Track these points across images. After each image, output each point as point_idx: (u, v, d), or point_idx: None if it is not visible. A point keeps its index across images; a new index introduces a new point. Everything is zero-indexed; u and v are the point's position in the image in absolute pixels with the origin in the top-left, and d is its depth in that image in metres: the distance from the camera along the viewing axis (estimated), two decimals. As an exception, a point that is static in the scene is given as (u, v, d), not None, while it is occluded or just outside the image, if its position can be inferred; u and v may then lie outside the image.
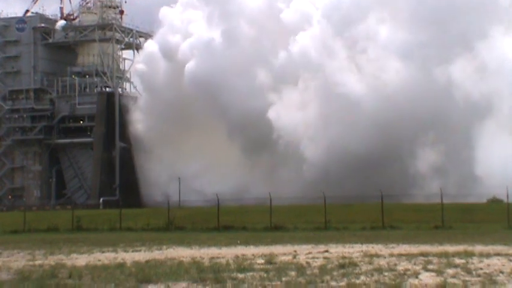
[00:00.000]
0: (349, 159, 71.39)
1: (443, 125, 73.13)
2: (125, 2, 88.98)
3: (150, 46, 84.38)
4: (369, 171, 70.51)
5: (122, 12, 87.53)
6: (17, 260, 24.27)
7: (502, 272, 17.88)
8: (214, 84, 78.13)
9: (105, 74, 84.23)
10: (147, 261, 21.87)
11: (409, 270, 18.60)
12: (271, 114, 78.19)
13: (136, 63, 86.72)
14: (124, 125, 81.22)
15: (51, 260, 23.48)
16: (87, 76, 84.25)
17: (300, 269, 19.34)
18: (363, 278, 17.46)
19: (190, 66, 78.80)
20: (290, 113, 77.86)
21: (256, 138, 77.37)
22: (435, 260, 20.24)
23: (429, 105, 73.21)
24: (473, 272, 18.01)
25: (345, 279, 17.21)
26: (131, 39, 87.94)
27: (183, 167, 76.11)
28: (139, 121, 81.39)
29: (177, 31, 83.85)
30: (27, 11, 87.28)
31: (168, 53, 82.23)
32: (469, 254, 21.06)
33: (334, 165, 71.60)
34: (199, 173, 76.23)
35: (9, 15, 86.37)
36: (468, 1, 78.75)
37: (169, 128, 79.60)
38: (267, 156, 79.51)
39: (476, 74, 74.93)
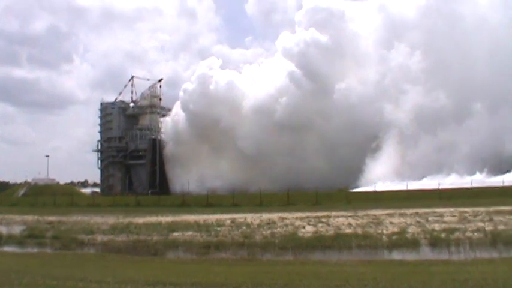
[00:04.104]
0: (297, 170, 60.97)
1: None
2: (161, 96, 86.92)
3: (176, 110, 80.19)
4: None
5: (160, 99, 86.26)
6: (110, 219, 24.12)
7: (343, 224, 18.38)
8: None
9: (152, 129, 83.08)
10: (172, 221, 21.76)
11: (300, 225, 18.91)
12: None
13: (167, 123, 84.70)
14: (161, 154, 79.95)
15: (126, 220, 23.27)
16: (143, 130, 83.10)
17: (248, 225, 19.48)
18: (279, 229, 17.79)
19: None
20: None
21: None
22: (313, 219, 20.53)
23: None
24: (331, 225, 18.46)
25: (270, 230, 17.59)
26: (164, 111, 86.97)
27: (191, 175, 73.92)
28: (169, 151, 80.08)
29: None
30: (115, 99, 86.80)
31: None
32: (328, 216, 21.48)
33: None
34: (200, 177, 73.18)
35: (107, 101, 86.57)
36: None
37: (185, 154, 76.98)
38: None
39: None
